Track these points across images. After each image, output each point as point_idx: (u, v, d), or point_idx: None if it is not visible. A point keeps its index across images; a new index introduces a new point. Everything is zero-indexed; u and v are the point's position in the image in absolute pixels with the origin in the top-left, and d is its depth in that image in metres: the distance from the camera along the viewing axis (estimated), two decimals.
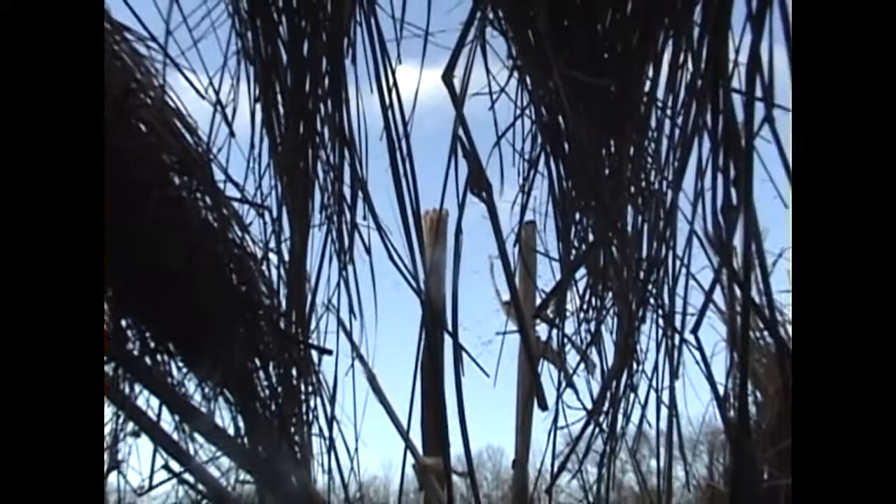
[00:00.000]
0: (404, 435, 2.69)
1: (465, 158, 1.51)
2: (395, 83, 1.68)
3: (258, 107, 2.00)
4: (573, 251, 1.97)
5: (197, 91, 2.05)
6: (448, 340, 1.65)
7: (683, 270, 1.73)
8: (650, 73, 1.81)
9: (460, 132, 1.48)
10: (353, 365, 2.22)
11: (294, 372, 2.33)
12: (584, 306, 2.02)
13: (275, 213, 2.12)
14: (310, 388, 2.31)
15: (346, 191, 1.98)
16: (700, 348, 1.52)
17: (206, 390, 2.48)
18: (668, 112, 1.77)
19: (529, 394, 3.37)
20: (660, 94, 1.80)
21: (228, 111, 2.03)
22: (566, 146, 1.86)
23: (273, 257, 2.25)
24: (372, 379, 2.65)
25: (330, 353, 2.16)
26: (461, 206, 1.47)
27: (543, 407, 1.55)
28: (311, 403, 2.32)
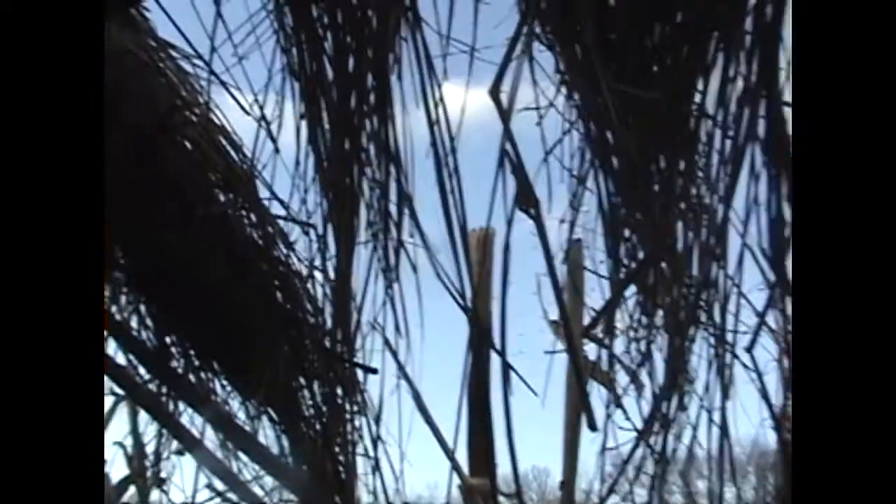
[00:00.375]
0: (450, 455, 2.66)
1: (512, 175, 1.50)
2: (441, 99, 1.67)
3: (303, 123, 1.99)
4: (622, 268, 1.93)
5: (242, 108, 2.05)
6: (495, 358, 1.63)
7: (735, 287, 1.70)
8: (700, 86, 1.78)
9: (508, 148, 1.46)
10: (398, 384, 2.20)
11: (339, 391, 2.31)
12: (634, 325, 1.99)
13: (320, 231, 2.11)
14: (355, 408, 2.29)
15: (392, 208, 1.96)
16: (755, 366, 1.49)
17: (250, 409, 2.47)
18: (719, 125, 1.74)
19: (577, 414, 3.33)
20: (710, 107, 1.77)
21: (273, 128, 2.02)
22: (615, 161, 1.83)
23: (318, 275, 2.23)
24: (418, 398, 2.62)
25: (375, 371, 2.15)
26: (509, 223, 1.45)
27: (593, 428, 1.52)
28: (356, 423, 2.30)
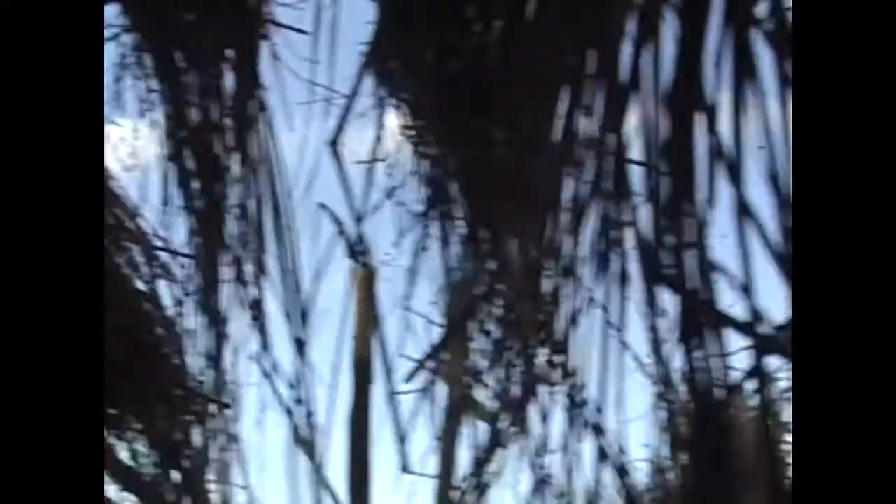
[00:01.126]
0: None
1: (338, 230, 1.55)
2: (277, 150, 1.73)
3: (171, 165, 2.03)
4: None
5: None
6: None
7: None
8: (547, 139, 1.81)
9: (327, 205, 1.53)
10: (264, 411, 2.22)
11: (200, 427, 2.33)
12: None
13: (189, 262, 2.15)
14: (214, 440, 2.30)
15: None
16: None
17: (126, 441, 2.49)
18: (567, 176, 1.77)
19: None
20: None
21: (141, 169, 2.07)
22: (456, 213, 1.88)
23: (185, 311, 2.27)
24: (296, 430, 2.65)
25: (228, 406, 2.17)
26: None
27: (406, 470, 1.57)
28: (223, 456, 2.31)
